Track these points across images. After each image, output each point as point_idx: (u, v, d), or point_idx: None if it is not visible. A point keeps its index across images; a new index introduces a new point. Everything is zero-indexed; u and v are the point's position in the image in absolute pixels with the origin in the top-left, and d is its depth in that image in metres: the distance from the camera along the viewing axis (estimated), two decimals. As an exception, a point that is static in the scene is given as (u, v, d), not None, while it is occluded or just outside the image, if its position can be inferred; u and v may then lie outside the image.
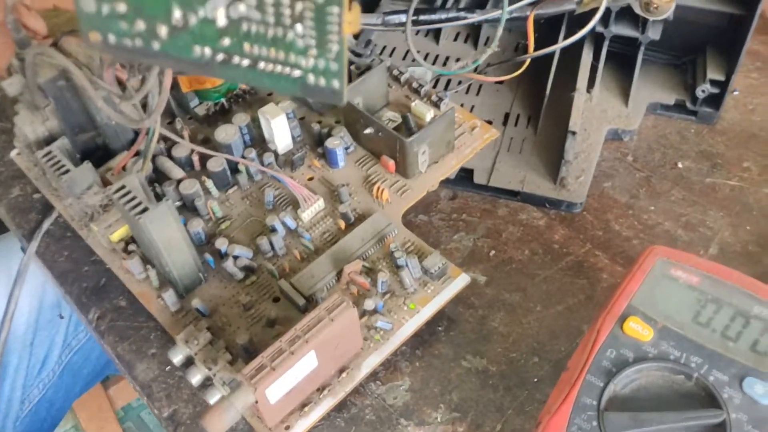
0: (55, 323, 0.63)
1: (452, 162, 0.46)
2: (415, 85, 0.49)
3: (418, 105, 0.47)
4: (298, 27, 0.25)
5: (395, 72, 0.50)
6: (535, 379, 0.39)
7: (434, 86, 0.56)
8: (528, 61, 0.48)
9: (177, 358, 0.37)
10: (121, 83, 0.43)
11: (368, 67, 0.47)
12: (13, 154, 0.50)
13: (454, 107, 0.46)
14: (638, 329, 0.33)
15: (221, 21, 0.26)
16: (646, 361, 0.33)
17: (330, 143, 0.46)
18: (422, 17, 0.48)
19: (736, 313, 0.33)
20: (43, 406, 0.64)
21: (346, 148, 0.47)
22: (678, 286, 0.35)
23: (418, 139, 0.44)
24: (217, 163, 0.45)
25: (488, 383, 0.39)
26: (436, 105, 0.47)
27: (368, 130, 0.46)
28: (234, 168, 0.46)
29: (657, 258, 0.36)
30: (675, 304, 0.34)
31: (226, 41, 0.26)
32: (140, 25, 0.27)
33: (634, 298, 0.35)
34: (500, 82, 0.55)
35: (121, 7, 0.27)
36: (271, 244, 0.42)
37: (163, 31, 0.27)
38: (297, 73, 0.26)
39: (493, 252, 0.45)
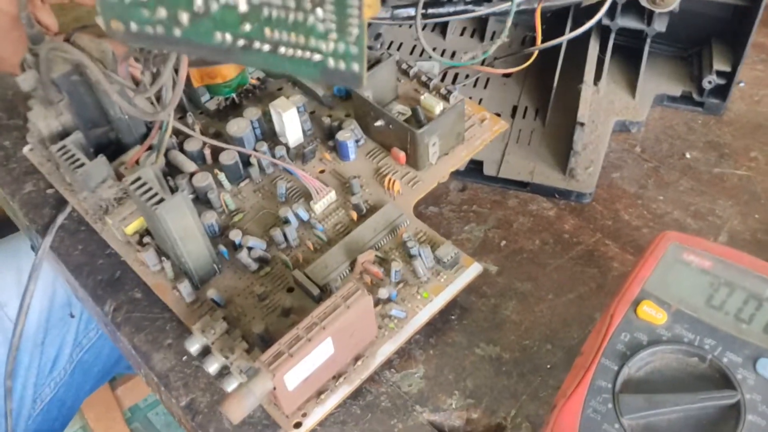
0: (66, 322, 0.63)
1: (462, 153, 0.47)
2: (423, 78, 0.49)
3: (427, 98, 0.47)
4: (319, 11, 0.26)
5: (404, 66, 0.50)
6: (549, 366, 0.39)
7: (442, 80, 0.56)
8: (536, 53, 0.49)
9: (194, 347, 0.37)
10: (133, 78, 0.44)
11: (377, 61, 0.47)
12: (25, 149, 0.50)
13: (464, 99, 0.46)
14: (652, 313, 0.34)
15: (242, 6, 0.26)
16: (660, 344, 0.33)
17: (341, 136, 0.46)
18: (430, 10, 0.49)
19: (749, 296, 0.34)
20: (54, 405, 0.64)
21: (357, 141, 0.47)
22: (691, 270, 0.35)
23: (428, 130, 0.44)
24: (230, 156, 0.46)
25: (502, 370, 0.39)
26: (445, 98, 0.47)
27: (379, 123, 0.46)
28: (246, 161, 0.47)
29: (669, 243, 0.36)
30: (688, 287, 0.35)
31: (247, 27, 0.27)
32: (162, 13, 0.27)
33: (647, 282, 0.35)
34: (508, 75, 0.55)
35: (143, -5, 0.27)
36: (285, 235, 0.43)
37: (184, 17, 0.27)
38: (317, 57, 0.27)
39: (504, 242, 0.46)
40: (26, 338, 0.60)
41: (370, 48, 0.48)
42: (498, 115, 0.53)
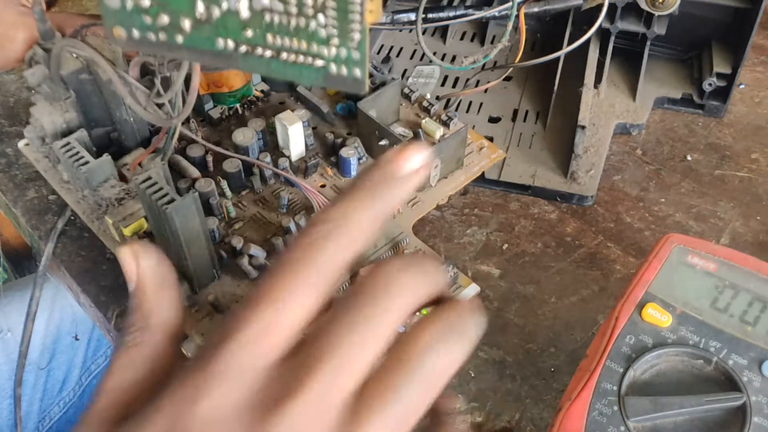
0: (74, 346, 0.63)
1: (461, 178, 0.47)
2: (425, 104, 0.49)
3: (428, 122, 0.47)
4: (321, 17, 0.26)
5: (406, 90, 0.50)
6: (552, 369, 0.39)
7: (442, 84, 0.56)
8: (521, 48, 0.49)
9: (191, 350, 0.37)
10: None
11: (383, 83, 0.47)
12: (20, 144, 0.50)
13: (467, 125, 0.46)
14: (657, 315, 0.34)
15: (244, 13, 0.26)
16: (665, 346, 0.33)
17: (345, 152, 0.46)
18: (430, 15, 0.49)
19: (753, 298, 0.34)
20: (63, 425, 0.64)
21: (359, 158, 0.47)
22: (695, 272, 0.35)
23: (433, 152, 0.44)
24: (233, 164, 0.46)
25: (505, 373, 0.39)
26: (445, 124, 0.47)
27: (383, 142, 0.46)
28: (248, 171, 0.47)
29: (673, 245, 0.36)
30: (693, 290, 0.34)
31: (249, 33, 0.27)
32: (164, 19, 0.27)
33: (651, 285, 0.35)
34: (508, 79, 0.55)
35: (145, 2, 0.27)
36: (286, 245, 0.42)
37: (186, 24, 0.27)
38: (319, 62, 0.27)
39: (506, 245, 0.46)
40: (30, 360, 0.60)
41: (377, 70, 0.48)
42: (499, 118, 0.53)
